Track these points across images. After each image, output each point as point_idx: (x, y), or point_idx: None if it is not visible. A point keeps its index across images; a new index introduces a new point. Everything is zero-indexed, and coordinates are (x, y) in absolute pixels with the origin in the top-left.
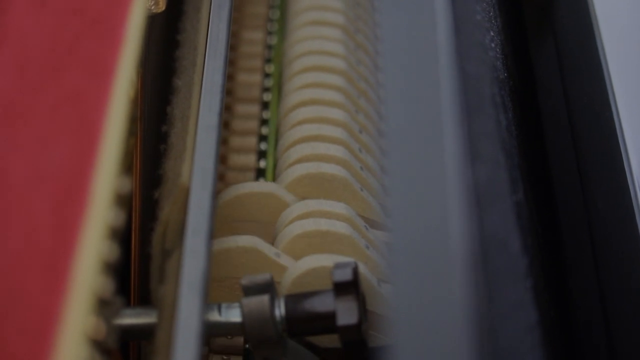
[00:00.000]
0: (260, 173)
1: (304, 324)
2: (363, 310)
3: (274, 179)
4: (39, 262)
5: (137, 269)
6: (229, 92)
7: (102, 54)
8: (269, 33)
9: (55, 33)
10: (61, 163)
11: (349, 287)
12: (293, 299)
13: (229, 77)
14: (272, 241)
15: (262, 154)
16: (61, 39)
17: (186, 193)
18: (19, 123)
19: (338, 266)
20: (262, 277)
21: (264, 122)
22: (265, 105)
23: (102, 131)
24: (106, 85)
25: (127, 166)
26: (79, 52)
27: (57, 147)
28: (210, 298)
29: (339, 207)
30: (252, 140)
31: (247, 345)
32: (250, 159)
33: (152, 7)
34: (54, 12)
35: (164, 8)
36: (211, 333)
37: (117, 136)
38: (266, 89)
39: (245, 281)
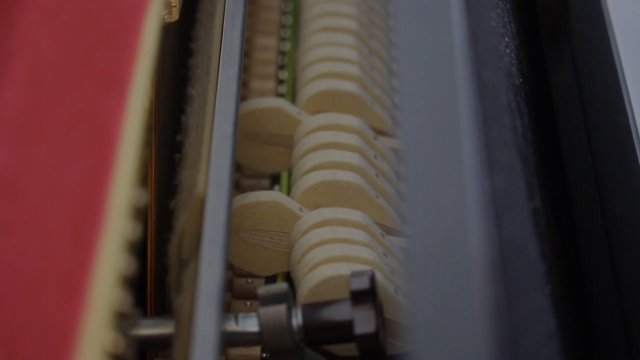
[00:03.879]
0: (275, 181)
1: (321, 333)
2: (380, 319)
3: (290, 187)
4: (56, 277)
5: (153, 279)
6: (242, 99)
7: (117, 66)
8: (282, 39)
9: (69, 46)
10: (77, 177)
11: (366, 296)
12: (310, 308)
13: (243, 84)
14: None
15: None
16: (75, 52)
17: (202, 203)
18: (34, 137)
19: (355, 274)
20: (278, 286)
21: None
22: None
23: (117, 144)
24: (121, 97)
25: (142, 177)
26: (93, 65)
27: (73, 161)
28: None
29: (355, 215)
30: None
31: (264, 355)
32: None
33: (166, 17)
34: (67, 25)
35: (177, 17)
36: (228, 343)
37: (132, 149)
38: (280, 96)
39: (261, 291)
